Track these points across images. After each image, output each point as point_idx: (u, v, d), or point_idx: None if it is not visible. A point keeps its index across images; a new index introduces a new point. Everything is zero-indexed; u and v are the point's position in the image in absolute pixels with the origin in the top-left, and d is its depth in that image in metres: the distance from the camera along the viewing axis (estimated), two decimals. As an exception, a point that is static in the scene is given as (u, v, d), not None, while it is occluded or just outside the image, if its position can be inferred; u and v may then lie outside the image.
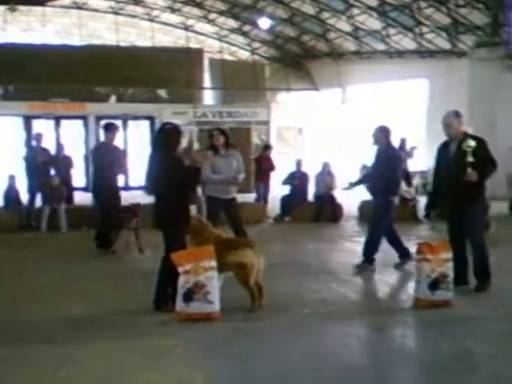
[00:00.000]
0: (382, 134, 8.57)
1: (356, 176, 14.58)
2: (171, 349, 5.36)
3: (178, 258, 6.00)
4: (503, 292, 7.11)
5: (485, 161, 7.09)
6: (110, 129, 10.38)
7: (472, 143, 6.99)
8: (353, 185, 9.50)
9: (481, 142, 7.15)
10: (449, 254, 6.64)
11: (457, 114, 7.38)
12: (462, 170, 6.99)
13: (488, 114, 17.78)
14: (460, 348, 5.35)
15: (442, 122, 7.38)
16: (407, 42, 21.10)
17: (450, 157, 7.29)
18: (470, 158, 6.95)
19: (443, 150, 7.46)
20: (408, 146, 15.49)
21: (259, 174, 15.97)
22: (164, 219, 6.42)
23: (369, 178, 9.25)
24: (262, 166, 15.84)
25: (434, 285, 6.51)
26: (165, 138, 6.51)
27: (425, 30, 20.05)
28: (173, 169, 6.31)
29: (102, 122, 12.96)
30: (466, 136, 7.16)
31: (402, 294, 7.15)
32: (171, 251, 6.15)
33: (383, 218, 8.43)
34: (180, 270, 5.96)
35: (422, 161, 17.90)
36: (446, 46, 20.06)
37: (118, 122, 22.99)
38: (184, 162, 6.53)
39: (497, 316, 6.28)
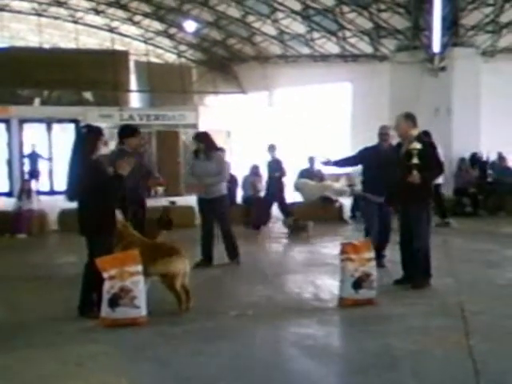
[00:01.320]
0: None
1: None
2: (96, 355, 5.29)
3: (103, 264, 5.93)
4: (425, 289, 7.34)
5: (430, 163, 7.26)
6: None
7: (417, 146, 7.15)
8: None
9: (428, 145, 7.34)
10: (371, 254, 6.82)
11: (406, 116, 7.53)
12: (407, 171, 7.16)
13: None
14: (382, 345, 5.49)
15: (394, 123, 7.58)
16: (331, 46, 21.48)
17: (399, 158, 7.44)
18: (415, 160, 7.12)
19: (397, 150, 7.63)
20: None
21: None
22: (85, 225, 6.33)
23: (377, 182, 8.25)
24: None
25: (358, 284, 6.67)
26: (81, 142, 6.40)
27: (348, 34, 20.46)
28: (89, 174, 6.21)
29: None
30: (414, 137, 7.32)
31: (328, 294, 7.27)
32: (94, 257, 6.08)
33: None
34: (105, 275, 5.89)
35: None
36: (369, 50, 20.54)
37: (42, 126, 22.77)
38: (102, 166, 6.40)
39: (418, 313, 6.48)
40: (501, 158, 16.65)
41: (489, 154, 17.52)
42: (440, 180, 11.24)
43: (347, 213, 14.64)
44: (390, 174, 7.57)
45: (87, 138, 6.44)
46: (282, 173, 13.62)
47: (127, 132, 8.48)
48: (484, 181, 16.09)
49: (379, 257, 7.97)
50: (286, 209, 13.55)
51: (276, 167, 13.58)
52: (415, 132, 7.45)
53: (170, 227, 9.28)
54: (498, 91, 18.94)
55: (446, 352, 5.27)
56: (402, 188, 7.31)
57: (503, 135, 18.49)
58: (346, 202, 15.11)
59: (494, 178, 16.21)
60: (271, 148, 13.88)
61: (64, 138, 22.26)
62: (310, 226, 12.12)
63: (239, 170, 15.59)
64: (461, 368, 4.90)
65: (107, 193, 6.31)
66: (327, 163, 8.90)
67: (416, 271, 7.45)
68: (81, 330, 5.93)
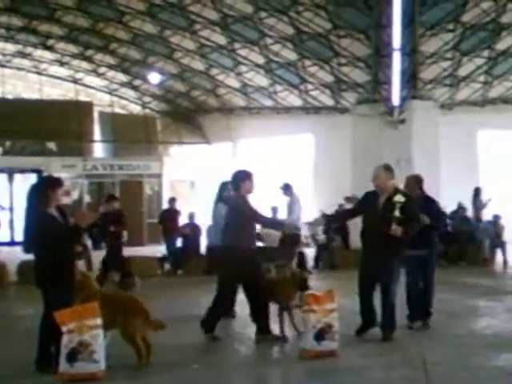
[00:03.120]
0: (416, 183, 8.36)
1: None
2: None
3: (61, 317, 5.83)
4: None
5: (412, 218, 7.33)
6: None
7: (402, 199, 7.21)
8: None
9: (409, 199, 7.39)
10: (333, 305, 6.82)
11: (386, 168, 7.58)
12: (387, 223, 7.19)
13: (369, 168, 18.51)
14: (344, 397, 5.48)
15: (372, 173, 7.58)
16: (293, 99, 21.81)
17: (377, 208, 7.43)
18: (397, 213, 7.17)
19: (370, 198, 7.63)
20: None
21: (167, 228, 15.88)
22: (40, 277, 6.21)
23: None
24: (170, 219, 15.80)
25: (320, 335, 6.65)
26: (35, 193, 6.31)
27: (310, 87, 20.81)
28: (41, 226, 6.12)
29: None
30: (397, 191, 7.37)
31: (290, 345, 7.24)
32: (50, 310, 5.98)
33: (433, 270, 8.24)
34: (63, 329, 5.79)
35: (309, 212, 18.33)
36: (330, 102, 20.90)
37: (4, 176, 22.57)
38: (53, 218, 6.24)
39: (380, 364, 6.49)
40: (461, 208, 16.95)
41: (448, 204, 17.80)
42: None
43: (309, 262, 14.69)
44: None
45: (40, 188, 6.38)
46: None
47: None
48: (444, 231, 16.29)
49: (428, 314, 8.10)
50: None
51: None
52: (393, 184, 7.50)
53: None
54: (456, 143, 19.42)
55: (408, 403, 5.28)
56: (378, 239, 7.32)
57: (462, 186, 18.86)
58: (310, 252, 15.18)
59: (454, 228, 16.44)
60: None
61: (26, 188, 22.04)
62: None
63: (203, 219, 15.57)
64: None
65: (61, 244, 6.17)
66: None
67: (386, 323, 7.44)
68: (38, 386, 5.80)
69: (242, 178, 7.71)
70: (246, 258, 7.49)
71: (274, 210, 15.92)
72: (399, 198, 7.22)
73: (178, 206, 16.60)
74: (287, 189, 13.66)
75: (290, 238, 13.09)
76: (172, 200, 16.77)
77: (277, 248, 13.24)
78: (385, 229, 7.17)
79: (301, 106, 21.86)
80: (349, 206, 13.57)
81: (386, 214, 7.27)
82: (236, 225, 7.55)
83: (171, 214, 15.90)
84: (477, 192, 17.24)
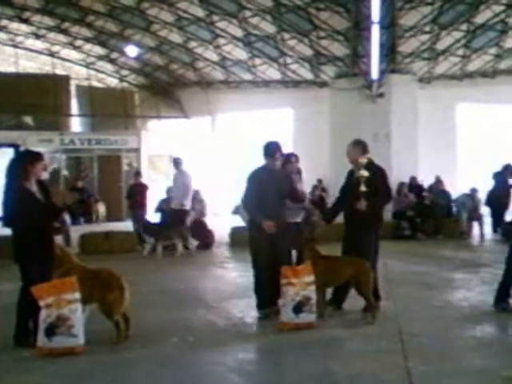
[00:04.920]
0: None
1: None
2: (31, 386, 5.18)
3: (39, 292, 5.80)
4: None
5: (378, 191, 7.33)
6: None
7: (365, 173, 7.21)
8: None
9: (377, 172, 7.39)
10: (311, 277, 6.86)
11: (355, 143, 7.58)
12: (355, 198, 7.23)
13: (347, 143, 18.57)
14: (322, 370, 5.51)
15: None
16: (272, 72, 21.71)
17: (351, 184, 7.48)
18: (363, 188, 7.19)
19: (348, 175, 7.68)
20: None
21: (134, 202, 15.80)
22: (18, 252, 6.17)
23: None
24: (138, 194, 15.71)
25: (298, 308, 6.71)
26: (15, 168, 6.23)
27: (289, 60, 20.72)
28: (19, 200, 6.06)
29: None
30: (362, 165, 7.32)
31: (269, 319, 7.27)
32: (27, 284, 5.95)
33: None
34: (41, 303, 5.78)
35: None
36: (309, 76, 20.85)
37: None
38: (31, 193, 6.17)
39: (357, 336, 6.55)
40: (438, 181, 17.08)
41: (426, 178, 17.95)
42: None
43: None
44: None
45: (19, 163, 6.31)
46: None
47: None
48: (421, 204, 16.44)
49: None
50: None
51: None
52: (364, 159, 7.45)
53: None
54: (434, 116, 19.52)
55: (385, 375, 5.33)
56: (351, 215, 7.39)
57: (440, 159, 19.01)
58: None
59: (432, 201, 16.57)
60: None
61: (2, 162, 21.82)
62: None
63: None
64: (399, 390, 4.98)
65: (38, 221, 6.13)
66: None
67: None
68: (16, 360, 5.79)
69: (273, 150, 7.61)
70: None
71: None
72: (363, 173, 7.25)
73: (158, 180, 16.51)
74: (177, 163, 13.95)
75: (175, 214, 13.32)
76: (137, 174, 16.70)
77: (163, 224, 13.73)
78: (353, 204, 7.24)
79: (280, 80, 21.79)
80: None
81: (353, 189, 7.32)
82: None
83: (139, 189, 15.82)
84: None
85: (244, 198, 7.58)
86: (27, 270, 6.14)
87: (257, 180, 7.45)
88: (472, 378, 5.26)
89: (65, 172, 23.74)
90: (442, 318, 7.31)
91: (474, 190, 16.21)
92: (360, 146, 7.56)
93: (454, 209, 16.33)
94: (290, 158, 8.36)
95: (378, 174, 7.41)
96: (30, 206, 6.07)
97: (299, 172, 9.17)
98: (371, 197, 7.23)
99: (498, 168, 15.69)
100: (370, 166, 7.44)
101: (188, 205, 13.58)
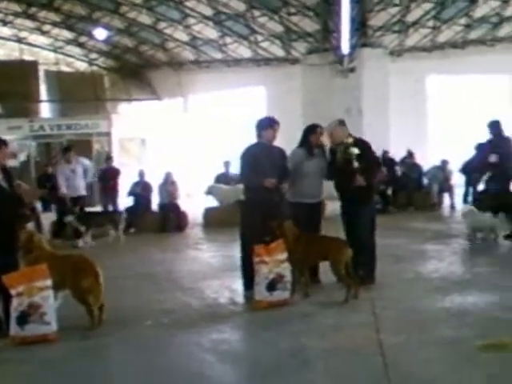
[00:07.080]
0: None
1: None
2: (6, 375, 5.15)
3: (9, 280, 5.77)
4: (339, 287, 7.32)
5: (370, 164, 7.51)
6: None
7: (355, 151, 7.33)
8: None
9: (365, 147, 7.50)
10: (284, 255, 6.90)
11: (341, 123, 7.67)
12: (350, 175, 7.33)
13: (320, 118, 18.51)
14: (296, 345, 5.56)
15: (326, 129, 7.65)
16: (243, 51, 21.60)
17: (338, 163, 7.56)
18: (356, 164, 7.31)
19: (331, 156, 7.73)
20: None
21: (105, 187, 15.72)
22: None
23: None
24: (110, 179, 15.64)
25: (272, 286, 6.76)
26: None
27: (259, 38, 20.62)
28: None
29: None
30: (351, 143, 7.40)
31: (244, 298, 7.31)
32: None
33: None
34: (12, 292, 5.74)
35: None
36: (281, 53, 20.79)
37: None
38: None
39: (331, 311, 6.62)
40: (410, 154, 17.17)
41: (398, 151, 18.02)
42: None
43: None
44: None
45: None
46: None
47: None
48: (393, 178, 16.54)
49: None
50: None
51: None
52: (350, 138, 7.52)
53: None
54: (405, 89, 19.57)
55: (358, 348, 5.40)
56: (347, 192, 7.52)
57: (411, 132, 19.10)
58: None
59: (403, 174, 16.68)
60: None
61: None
62: None
63: (154, 177, 15.48)
64: (371, 363, 5.04)
65: (2, 208, 6.07)
66: None
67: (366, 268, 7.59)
68: (-11, 351, 5.76)
69: (264, 126, 7.55)
70: None
71: (227, 164, 15.93)
72: (353, 151, 7.35)
73: (130, 164, 16.43)
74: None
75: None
76: (108, 159, 16.66)
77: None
78: (350, 181, 7.35)
79: (251, 58, 21.69)
80: None
81: (346, 167, 7.41)
82: None
83: (110, 173, 15.75)
84: None
85: (240, 175, 7.61)
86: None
87: (251, 155, 7.44)
88: (443, 348, 5.32)
89: (36, 158, 23.45)
90: (413, 290, 7.41)
91: (444, 162, 16.34)
92: (345, 125, 7.68)
93: (426, 181, 16.47)
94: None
95: (365, 149, 7.53)
96: None
97: None
98: (365, 171, 7.37)
99: (480, 139, 15.66)
100: (357, 142, 7.54)
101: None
